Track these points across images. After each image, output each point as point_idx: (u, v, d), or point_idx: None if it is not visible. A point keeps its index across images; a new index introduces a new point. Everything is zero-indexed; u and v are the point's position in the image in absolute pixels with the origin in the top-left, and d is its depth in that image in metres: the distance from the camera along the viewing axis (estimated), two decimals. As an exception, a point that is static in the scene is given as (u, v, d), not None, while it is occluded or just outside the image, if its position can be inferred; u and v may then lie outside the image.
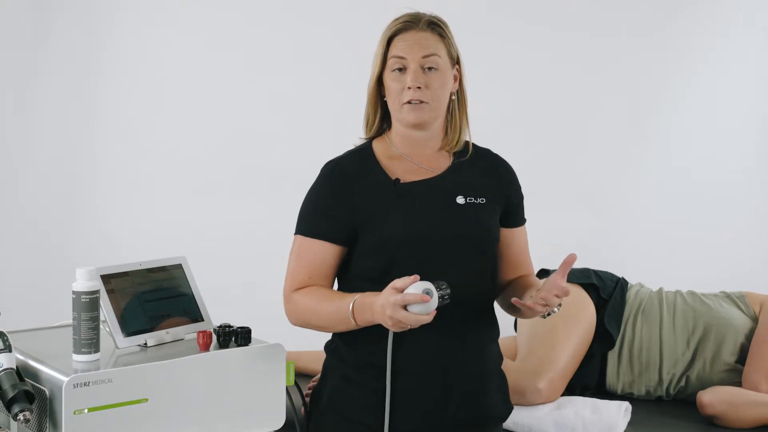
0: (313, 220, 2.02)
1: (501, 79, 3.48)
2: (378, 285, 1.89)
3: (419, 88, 1.97)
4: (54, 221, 3.64)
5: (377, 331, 1.92)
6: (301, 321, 2.02)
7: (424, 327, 1.87)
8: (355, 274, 2.01)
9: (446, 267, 1.95)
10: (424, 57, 1.98)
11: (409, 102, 1.98)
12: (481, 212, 2.02)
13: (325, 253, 2.00)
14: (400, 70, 2.00)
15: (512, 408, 2.16)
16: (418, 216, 1.99)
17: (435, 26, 2.02)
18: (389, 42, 2.02)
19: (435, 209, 2.00)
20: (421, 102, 1.98)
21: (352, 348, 2.02)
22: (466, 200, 2.02)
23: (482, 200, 2.03)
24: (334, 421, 2.05)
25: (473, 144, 2.14)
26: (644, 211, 3.65)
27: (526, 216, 2.17)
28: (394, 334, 1.89)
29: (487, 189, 2.05)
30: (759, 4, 3.65)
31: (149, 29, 3.68)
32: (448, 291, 1.80)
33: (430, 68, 1.99)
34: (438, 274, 1.86)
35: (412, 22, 2.02)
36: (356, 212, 1.99)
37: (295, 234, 2.05)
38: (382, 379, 1.94)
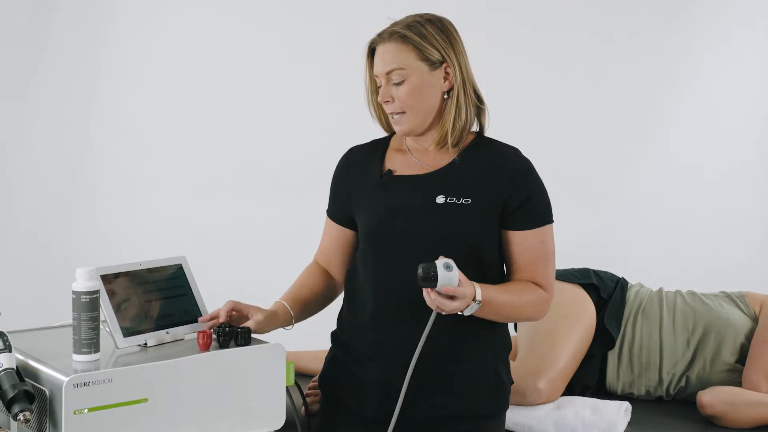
0: (330, 201, 2.18)
1: (501, 79, 3.48)
2: (365, 270, 2.04)
3: (387, 102, 2.02)
4: (54, 221, 3.64)
5: (360, 318, 2.04)
6: None
7: (400, 316, 1.98)
8: (357, 255, 2.11)
9: (411, 263, 1.91)
10: (388, 73, 2.01)
11: (390, 114, 2.05)
12: (460, 213, 2.00)
13: (333, 232, 2.15)
14: (380, 86, 2.05)
15: (505, 406, 2.14)
16: (392, 211, 2.03)
17: (400, 36, 2.00)
18: (372, 59, 2.07)
19: (410, 206, 2.02)
20: (398, 113, 2.03)
21: (342, 332, 2.13)
22: (446, 200, 2.01)
23: (467, 201, 2.01)
24: (324, 402, 2.15)
25: (492, 140, 2.11)
26: (644, 211, 3.66)
27: None
28: (377, 320, 2.01)
29: (480, 189, 2.02)
30: (759, 5, 3.66)
31: (149, 29, 3.68)
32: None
33: (396, 82, 2.01)
34: (399, 269, 1.97)
35: (380, 36, 2.04)
36: (350, 199, 2.11)
37: None
38: (362, 364, 2.04)
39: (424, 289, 1.82)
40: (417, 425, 2.01)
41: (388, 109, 2.03)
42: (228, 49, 3.66)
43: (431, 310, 1.87)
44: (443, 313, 1.85)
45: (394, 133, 2.14)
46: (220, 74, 3.66)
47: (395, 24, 2.04)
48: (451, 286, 1.79)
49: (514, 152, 2.09)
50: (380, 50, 2.03)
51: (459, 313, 1.86)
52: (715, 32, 3.65)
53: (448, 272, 1.79)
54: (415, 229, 2.00)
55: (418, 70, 2.00)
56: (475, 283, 1.87)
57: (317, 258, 2.20)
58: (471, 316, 1.93)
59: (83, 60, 3.67)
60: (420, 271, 1.79)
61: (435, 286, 1.79)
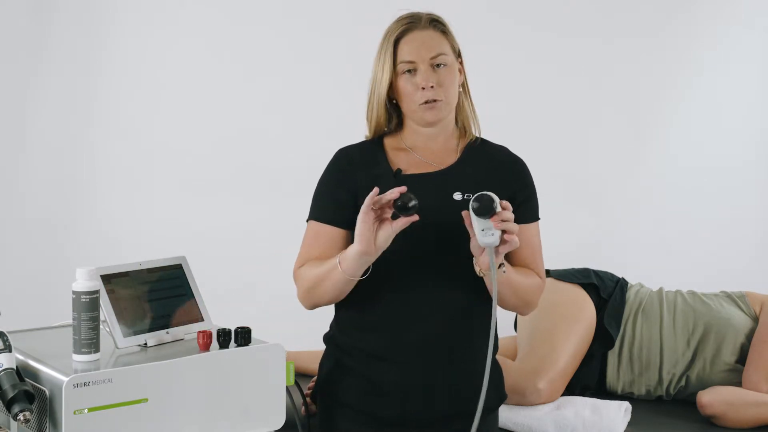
0: (322, 205, 2.10)
1: (502, 79, 3.48)
2: (374, 269, 1.96)
3: (432, 87, 2.02)
4: (54, 221, 3.63)
5: (367, 319, 2.03)
6: (308, 294, 2.05)
7: (414, 316, 1.97)
8: None
9: (434, 260, 2.00)
10: (433, 57, 2.03)
11: (425, 102, 2.03)
12: None
13: (333, 237, 2.07)
14: (410, 71, 2.04)
15: (504, 397, 2.17)
16: None
17: (437, 23, 2.07)
18: (395, 46, 2.05)
19: (428, 204, 2.02)
20: (436, 100, 2.03)
21: (345, 335, 2.10)
22: (463, 196, 2.04)
23: None
24: (326, 404, 2.12)
25: (487, 141, 2.17)
26: (644, 211, 3.65)
27: None
28: (390, 319, 2.00)
29: (488, 186, 2.04)
30: (759, 5, 3.66)
31: (149, 29, 3.68)
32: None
33: (438, 65, 2.03)
34: (425, 266, 1.98)
35: (414, 23, 2.06)
36: (358, 199, 2.04)
37: (307, 220, 2.12)
38: (371, 365, 2.03)
39: (485, 220, 1.82)
40: (429, 424, 2.02)
41: (426, 95, 2.02)
42: (228, 49, 3.66)
43: (447, 305, 1.93)
44: (514, 234, 1.85)
45: (383, 135, 2.14)
46: (221, 74, 3.65)
47: (421, 14, 2.07)
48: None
49: (508, 150, 2.17)
50: (419, 36, 2.04)
51: (502, 267, 1.90)
52: (715, 32, 3.64)
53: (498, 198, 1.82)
54: (435, 227, 1.99)
55: (452, 60, 2.07)
56: None
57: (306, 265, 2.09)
58: (476, 310, 2.00)
59: (83, 60, 3.67)
60: (475, 204, 1.80)
61: (496, 210, 1.81)
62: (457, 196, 2.04)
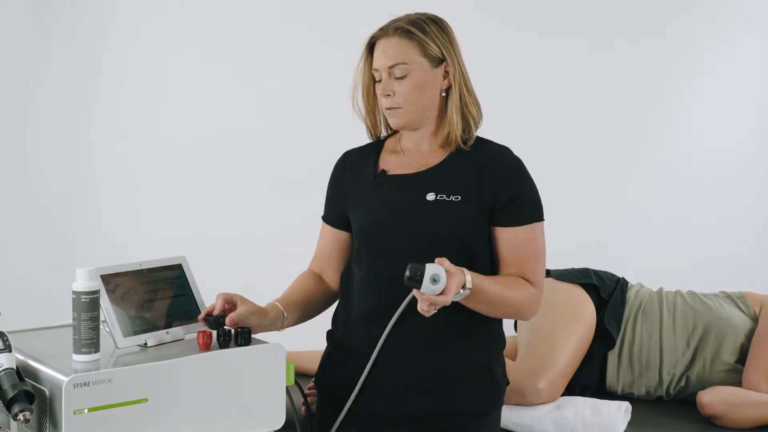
0: (325, 206, 2.20)
1: (503, 80, 3.48)
2: (359, 269, 2.06)
3: (388, 95, 2.04)
4: (54, 221, 3.64)
5: (354, 315, 2.07)
6: None
7: (398, 318, 1.97)
8: (351, 255, 2.14)
9: (403, 260, 1.93)
10: (390, 67, 2.03)
11: (387, 108, 2.06)
12: (449, 210, 2.01)
13: (329, 236, 2.17)
14: (379, 81, 2.06)
15: (497, 404, 2.13)
16: (384, 209, 2.05)
17: (404, 31, 2.03)
18: (371, 53, 2.08)
19: (401, 204, 2.04)
20: (395, 108, 2.04)
21: (339, 332, 2.14)
22: (436, 197, 2.03)
23: (456, 198, 2.02)
24: (320, 400, 2.16)
25: (484, 140, 2.13)
26: (644, 211, 3.66)
27: None
28: (379, 319, 2.00)
29: (470, 187, 2.03)
30: (759, 5, 3.66)
31: (149, 30, 3.68)
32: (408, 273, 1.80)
33: (399, 76, 2.03)
34: (392, 266, 1.95)
35: (382, 30, 2.06)
36: (345, 200, 2.13)
37: None
38: (362, 364, 2.03)
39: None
40: (406, 421, 2.02)
41: (386, 102, 2.05)
42: (228, 49, 3.67)
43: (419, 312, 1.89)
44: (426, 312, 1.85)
45: (387, 136, 2.17)
46: (221, 74, 3.66)
47: (398, 20, 2.06)
48: (432, 296, 1.80)
49: (504, 151, 2.12)
50: (383, 44, 2.04)
51: (465, 290, 1.87)
52: (715, 32, 3.65)
53: (432, 285, 1.78)
54: (407, 227, 2.02)
55: (421, 66, 2.03)
56: (465, 270, 1.88)
57: (312, 266, 2.21)
58: (464, 312, 1.97)
59: (83, 60, 3.67)
60: (408, 271, 1.79)
61: (419, 288, 1.80)
62: (431, 196, 2.03)
